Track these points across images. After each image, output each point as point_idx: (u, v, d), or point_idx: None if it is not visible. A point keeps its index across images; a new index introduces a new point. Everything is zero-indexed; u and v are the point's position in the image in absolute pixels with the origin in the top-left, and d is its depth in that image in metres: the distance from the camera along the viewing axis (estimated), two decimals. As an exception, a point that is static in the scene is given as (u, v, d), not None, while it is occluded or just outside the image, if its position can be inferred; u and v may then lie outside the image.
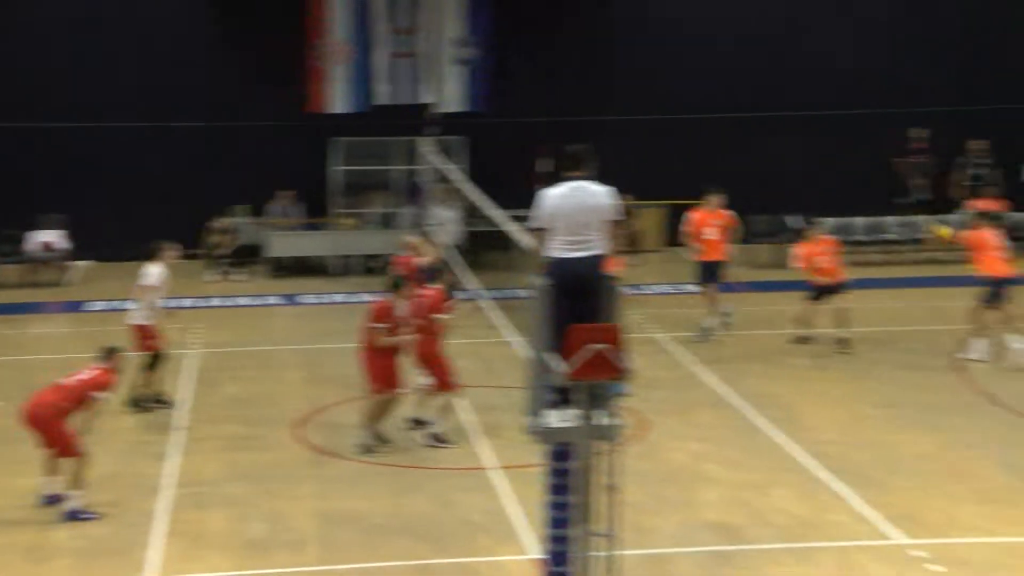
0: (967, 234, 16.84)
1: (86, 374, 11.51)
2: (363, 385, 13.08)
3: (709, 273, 17.72)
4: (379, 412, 13.02)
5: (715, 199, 17.73)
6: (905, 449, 12.92)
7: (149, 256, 14.91)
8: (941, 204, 24.11)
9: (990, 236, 16.38)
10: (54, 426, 11.21)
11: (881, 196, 24.59)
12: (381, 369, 12.88)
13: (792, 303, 19.43)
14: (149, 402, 14.52)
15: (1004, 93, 24.58)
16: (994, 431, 13.41)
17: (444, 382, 13.26)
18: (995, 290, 16.00)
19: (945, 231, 18.20)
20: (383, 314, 12.88)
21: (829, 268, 17.08)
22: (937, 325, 18.21)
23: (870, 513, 11.12)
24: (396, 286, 13.19)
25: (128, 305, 15.51)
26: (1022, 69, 24.58)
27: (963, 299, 18.36)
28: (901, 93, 24.64)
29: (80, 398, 11.27)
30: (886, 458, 12.63)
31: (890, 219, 23.72)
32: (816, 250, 17.24)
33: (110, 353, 11.82)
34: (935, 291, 20.42)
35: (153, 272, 14.72)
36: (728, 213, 17.86)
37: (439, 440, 13.20)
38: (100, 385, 11.42)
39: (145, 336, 14.52)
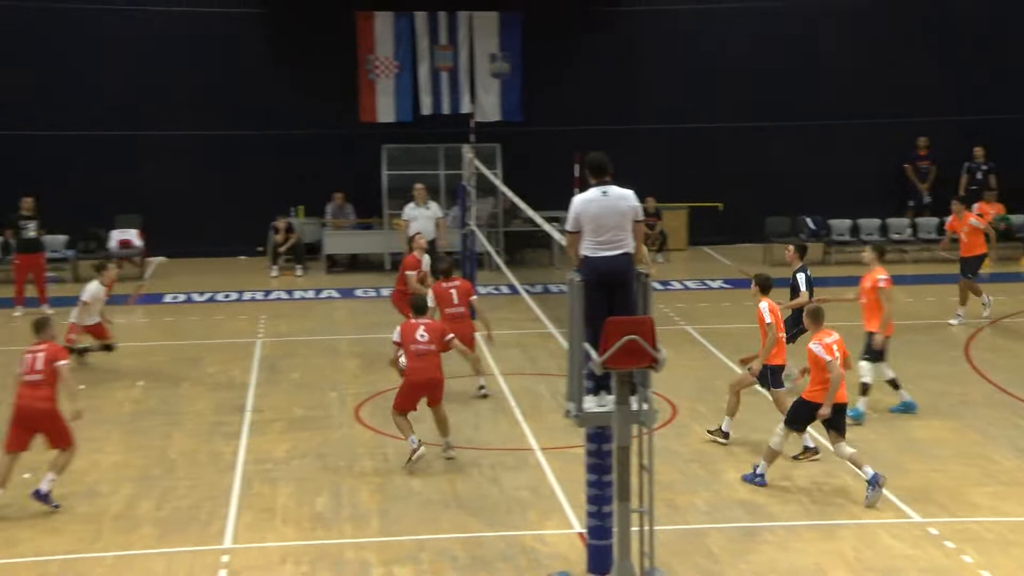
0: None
1: (40, 355, 10.69)
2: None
3: None
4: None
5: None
6: (919, 433, 12.86)
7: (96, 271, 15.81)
8: (944, 207, 23.93)
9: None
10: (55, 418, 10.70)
11: (890, 199, 24.50)
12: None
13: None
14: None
15: (1001, 102, 24.42)
16: (1005, 418, 13.29)
17: None
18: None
19: None
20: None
21: None
22: (945, 319, 18.09)
23: (887, 493, 11.05)
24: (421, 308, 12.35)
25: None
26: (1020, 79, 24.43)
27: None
28: (907, 101, 24.51)
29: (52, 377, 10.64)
30: (901, 441, 12.58)
31: (899, 220, 23.58)
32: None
33: (41, 326, 11.00)
34: (942, 288, 20.26)
35: (89, 289, 15.49)
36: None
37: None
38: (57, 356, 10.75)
39: (88, 331, 15.54)
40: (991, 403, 13.88)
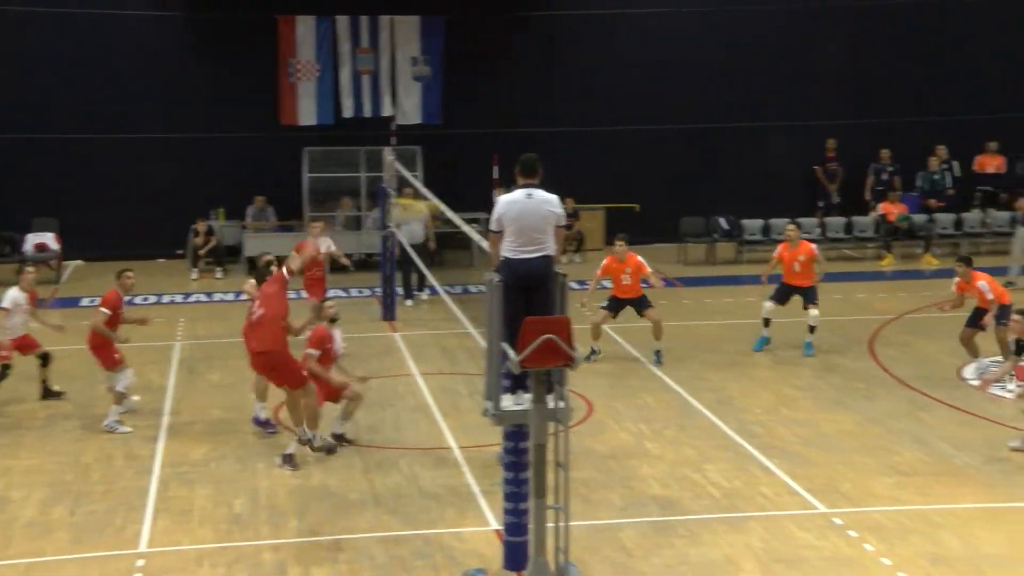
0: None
1: None
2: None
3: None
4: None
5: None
6: (825, 427, 13.08)
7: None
8: (852, 207, 24.45)
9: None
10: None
11: (800, 200, 24.88)
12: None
13: (718, 296, 19.73)
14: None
15: (902, 107, 24.94)
16: (906, 412, 13.56)
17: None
18: None
19: None
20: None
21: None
22: (851, 316, 18.43)
23: (794, 485, 11.25)
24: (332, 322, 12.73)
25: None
26: (918, 84, 25.02)
27: (871, 292, 18.73)
28: (817, 105, 24.97)
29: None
30: (808, 435, 12.78)
31: (808, 220, 23.92)
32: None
33: None
34: (850, 285, 20.64)
35: (9, 296, 14.05)
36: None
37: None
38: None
39: (16, 346, 14.01)
40: (893, 397, 14.14)
